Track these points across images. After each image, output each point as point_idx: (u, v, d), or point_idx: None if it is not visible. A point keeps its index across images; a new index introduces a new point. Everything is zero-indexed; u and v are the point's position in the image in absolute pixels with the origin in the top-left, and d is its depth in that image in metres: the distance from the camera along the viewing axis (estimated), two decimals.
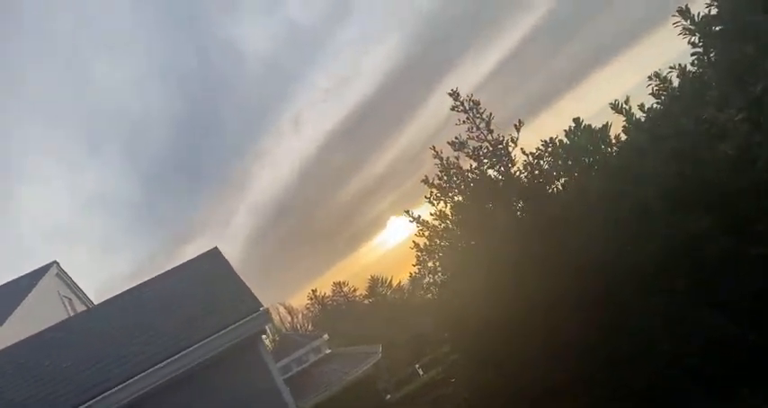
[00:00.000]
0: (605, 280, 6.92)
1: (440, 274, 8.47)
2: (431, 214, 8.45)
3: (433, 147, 8.10)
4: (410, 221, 8.43)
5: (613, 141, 10.68)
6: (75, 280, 24.06)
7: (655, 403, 6.91)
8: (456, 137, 7.93)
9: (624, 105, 11.36)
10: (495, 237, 7.16)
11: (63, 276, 23.48)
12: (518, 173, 7.86)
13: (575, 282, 6.81)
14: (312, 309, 71.08)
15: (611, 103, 10.99)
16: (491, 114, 7.76)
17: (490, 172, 7.83)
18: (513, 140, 7.88)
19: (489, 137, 7.92)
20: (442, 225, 8.22)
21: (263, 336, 7.70)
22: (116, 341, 9.20)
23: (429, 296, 8.52)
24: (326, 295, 70.56)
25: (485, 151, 7.88)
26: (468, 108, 7.96)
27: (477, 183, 7.67)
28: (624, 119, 11.55)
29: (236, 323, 7.35)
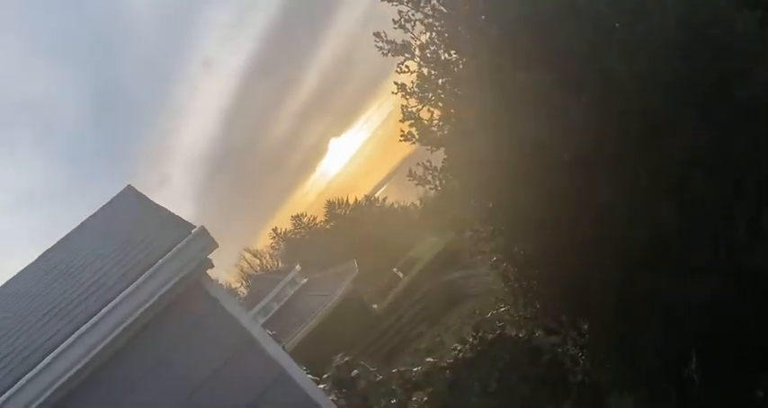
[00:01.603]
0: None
1: (441, 124, 5.76)
2: (412, 37, 5.60)
3: None
4: (381, 50, 5.55)
5: None
6: None
7: None
8: None
9: None
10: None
11: None
12: None
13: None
14: (277, 247, 68.82)
15: None
16: None
17: None
18: None
19: None
20: (432, 43, 5.39)
21: (209, 271, 4.97)
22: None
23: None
24: (288, 230, 68.20)
25: None
26: None
27: None
28: None
29: (158, 264, 4.56)
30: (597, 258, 5.17)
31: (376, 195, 69.40)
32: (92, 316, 4.60)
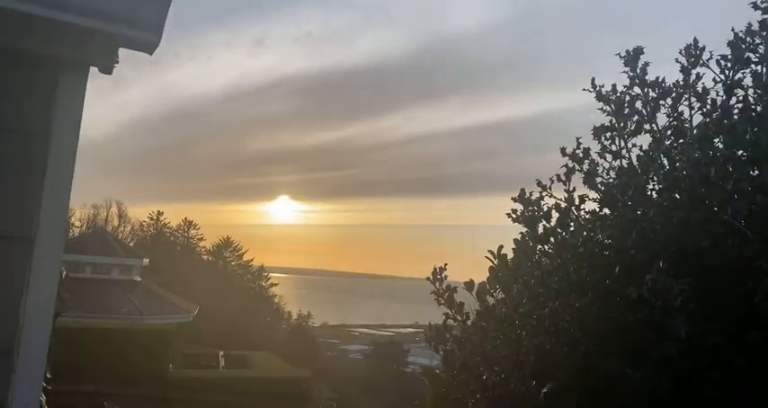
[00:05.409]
0: None
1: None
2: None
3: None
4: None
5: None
6: None
7: None
8: None
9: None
10: None
11: None
12: None
13: None
14: (146, 231, 59.61)
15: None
16: None
17: None
18: None
19: None
20: None
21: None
22: None
23: None
24: (169, 225, 60.13)
25: None
26: None
27: None
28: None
29: None
30: None
31: (269, 274, 62.97)
32: None
